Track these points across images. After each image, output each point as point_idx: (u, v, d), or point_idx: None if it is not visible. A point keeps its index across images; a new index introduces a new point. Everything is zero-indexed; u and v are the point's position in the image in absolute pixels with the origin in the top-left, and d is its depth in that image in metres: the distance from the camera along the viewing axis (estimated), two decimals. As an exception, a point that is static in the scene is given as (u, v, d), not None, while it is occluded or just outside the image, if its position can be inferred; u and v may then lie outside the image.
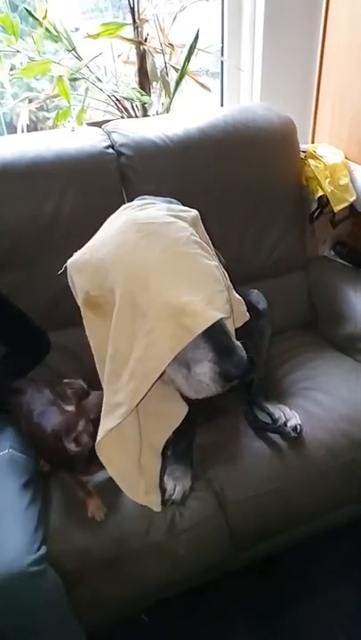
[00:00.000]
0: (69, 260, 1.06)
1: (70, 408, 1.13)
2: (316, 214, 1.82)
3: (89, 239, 1.07)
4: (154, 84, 1.87)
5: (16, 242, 1.44)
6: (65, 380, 1.13)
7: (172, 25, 1.80)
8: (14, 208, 1.43)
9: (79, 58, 1.74)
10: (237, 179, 1.64)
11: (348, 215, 1.85)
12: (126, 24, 1.75)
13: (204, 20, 1.83)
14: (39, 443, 1.23)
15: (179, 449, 1.27)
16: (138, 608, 1.39)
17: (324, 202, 1.75)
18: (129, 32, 1.76)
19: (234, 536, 1.26)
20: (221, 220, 1.61)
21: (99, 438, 1.03)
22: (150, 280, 0.93)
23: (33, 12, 1.65)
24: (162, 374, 0.99)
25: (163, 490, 1.22)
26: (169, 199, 1.15)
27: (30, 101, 1.82)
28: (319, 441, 1.31)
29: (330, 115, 1.83)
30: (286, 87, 1.94)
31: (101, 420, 1.03)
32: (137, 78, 1.85)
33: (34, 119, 1.94)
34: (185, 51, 1.76)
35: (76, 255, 1.05)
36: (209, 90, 1.91)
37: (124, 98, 1.86)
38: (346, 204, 1.72)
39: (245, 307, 1.18)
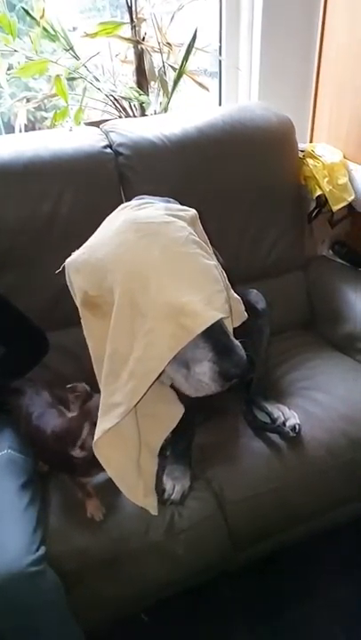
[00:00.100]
0: (68, 260, 1.06)
1: (71, 415, 1.13)
2: (314, 214, 1.81)
3: (87, 239, 1.06)
4: (152, 83, 1.86)
5: (14, 241, 1.43)
6: (68, 385, 1.12)
7: (170, 24, 1.79)
8: (12, 208, 1.42)
9: (77, 57, 1.73)
10: (236, 178, 1.63)
11: (347, 215, 1.85)
12: (124, 23, 1.74)
13: (201, 19, 1.83)
14: (39, 445, 1.22)
15: (178, 449, 1.27)
16: (137, 608, 1.39)
17: (322, 201, 1.75)
18: (127, 31, 1.76)
19: (233, 536, 1.26)
20: (220, 220, 1.61)
21: (96, 438, 1.03)
22: (150, 279, 0.92)
23: (30, 12, 1.64)
24: (160, 374, 0.98)
25: (162, 490, 1.22)
26: (167, 198, 1.14)
27: (28, 101, 1.82)
28: (318, 440, 1.31)
29: (328, 114, 1.83)
30: (284, 86, 1.94)
31: (98, 420, 1.03)
32: (135, 78, 1.84)
33: (32, 119, 1.94)
34: (183, 50, 1.76)
35: (75, 255, 1.05)
36: (207, 89, 1.91)
37: (122, 97, 1.86)
38: (344, 204, 1.72)
39: (243, 306, 1.18)
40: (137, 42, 1.78)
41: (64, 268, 1.07)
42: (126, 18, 1.76)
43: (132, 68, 1.84)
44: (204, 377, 0.95)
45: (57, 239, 1.45)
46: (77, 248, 1.05)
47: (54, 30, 1.67)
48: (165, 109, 1.87)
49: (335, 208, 1.72)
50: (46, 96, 1.81)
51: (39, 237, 1.45)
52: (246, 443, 1.33)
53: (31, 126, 1.95)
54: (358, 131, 1.72)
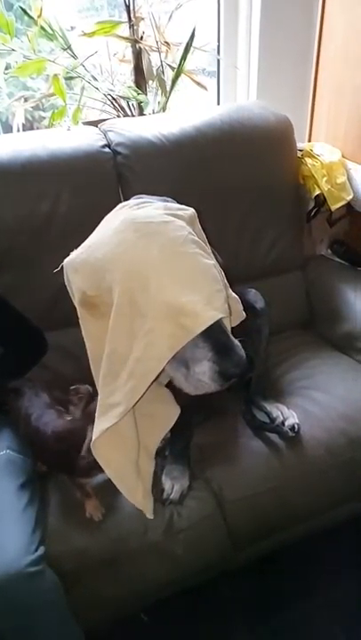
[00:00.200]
0: (66, 260, 1.05)
1: (74, 416, 1.12)
2: (313, 213, 1.81)
3: (86, 238, 1.06)
4: (150, 82, 1.86)
5: (13, 241, 1.43)
6: (71, 387, 1.12)
7: (168, 23, 1.79)
8: (10, 208, 1.42)
9: (75, 56, 1.73)
10: (234, 177, 1.63)
11: (346, 214, 1.85)
12: (122, 22, 1.74)
13: (200, 18, 1.82)
14: (39, 445, 1.22)
15: (176, 449, 1.27)
16: (137, 608, 1.38)
17: (321, 201, 1.75)
18: (125, 30, 1.76)
19: (232, 535, 1.26)
20: (218, 219, 1.61)
21: (94, 438, 1.02)
22: (150, 279, 0.92)
23: (28, 11, 1.64)
24: (159, 375, 0.98)
25: (161, 489, 1.22)
26: (165, 198, 1.14)
27: (26, 100, 1.81)
28: (317, 440, 1.31)
29: (326, 113, 1.83)
30: (283, 86, 1.94)
31: (96, 420, 1.03)
32: (133, 77, 1.84)
33: (30, 118, 1.94)
34: (181, 49, 1.76)
35: (73, 254, 1.04)
36: (205, 88, 1.91)
37: (120, 97, 1.85)
38: (343, 203, 1.72)
39: (242, 305, 1.18)
40: (135, 41, 1.78)
41: (62, 267, 1.07)
42: (124, 17, 1.75)
43: (130, 67, 1.84)
44: (203, 376, 0.95)
45: (55, 239, 1.45)
46: (76, 248, 1.05)
47: (52, 29, 1.66)
48: (164, 109, 1.87)
49: (334, 207, 1.72)
50: (44, 95, 1.81)
51: (37, 237, 1.45)
52: (245, 442, 1.33)
53: (29, 126, 1.95)
54: (357, 129, 1.72)
